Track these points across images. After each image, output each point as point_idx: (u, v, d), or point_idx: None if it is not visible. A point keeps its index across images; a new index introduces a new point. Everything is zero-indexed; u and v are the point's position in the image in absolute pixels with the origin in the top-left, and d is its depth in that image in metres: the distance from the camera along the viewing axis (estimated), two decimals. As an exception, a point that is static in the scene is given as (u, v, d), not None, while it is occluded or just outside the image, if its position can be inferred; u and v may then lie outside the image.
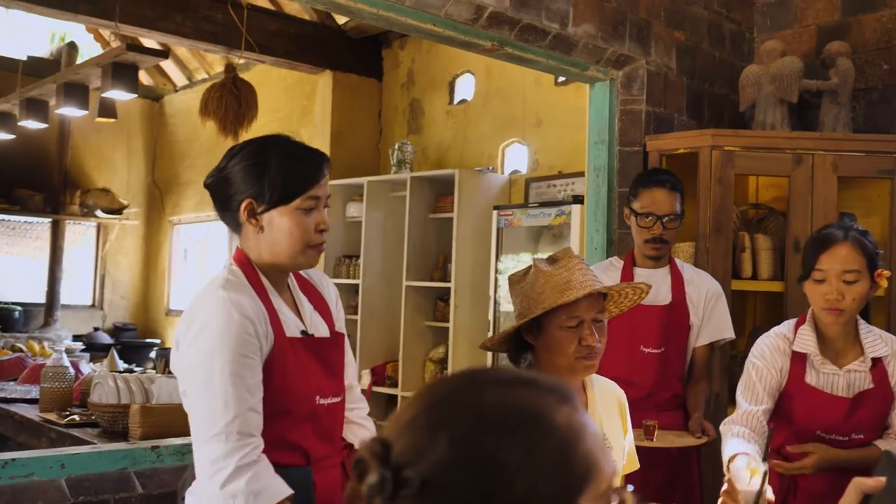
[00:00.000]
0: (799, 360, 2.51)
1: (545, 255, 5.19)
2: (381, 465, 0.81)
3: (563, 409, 0.86)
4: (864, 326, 2.53)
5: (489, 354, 5.13)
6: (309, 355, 1.85)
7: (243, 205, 1.82)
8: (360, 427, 2.08)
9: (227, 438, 1.65)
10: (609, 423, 2.07)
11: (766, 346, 2.57)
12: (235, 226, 1.88)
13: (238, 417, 1.66)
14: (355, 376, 2.09)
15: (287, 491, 1.68)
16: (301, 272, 2.00)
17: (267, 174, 1.81)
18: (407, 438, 0.83)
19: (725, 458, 2.33)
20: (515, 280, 2.00)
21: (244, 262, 1.86)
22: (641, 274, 3.18)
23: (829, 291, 2.40)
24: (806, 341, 2.51)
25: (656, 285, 3.05)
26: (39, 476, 2.16)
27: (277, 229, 1.82)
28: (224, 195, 1.86)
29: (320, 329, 1.94)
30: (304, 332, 1.87)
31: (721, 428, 2.52)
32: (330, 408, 1.88)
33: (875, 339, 2.51)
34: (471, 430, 0.82)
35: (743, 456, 2.23)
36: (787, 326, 2.60)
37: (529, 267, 1.99)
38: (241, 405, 1.67)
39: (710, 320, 3.22)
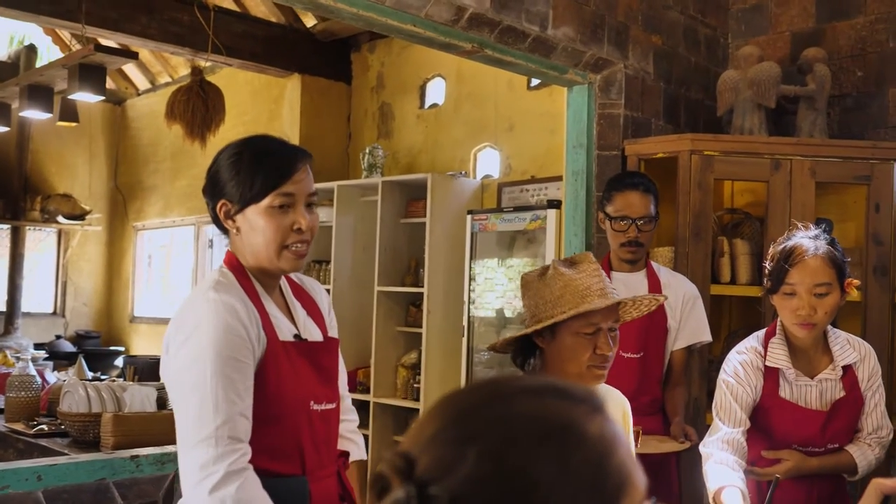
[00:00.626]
0: (772, 375, 2.47)
1: (519, 261, 5.13)
2: (405, 481, 0.77)
3: (595, 419, 0.82)
4: (832, 333, 2.49)
5: (463, 358, 5.09)
6: (303, 360, 1.80)
7: (219, 206, 1.79)
8: (349, 441, 2.02)
9: (217, 443, 1.59)
10: None
11: (740, 363, 2.49)
12: (223, 229, 1.83)
13: (228, 422, 1.61)
14: (346, 386, 2.04)
15: None
16: (293, 278, 1.96)
17: (239, 173, 1.76)
18: (432, 453, 0.79)
19: (712, 487, 2.31)
20: (530, 280, 1.95)
21: (234, 265, 1.81)
22: (618, 278, 3.16)
23: (801, 306, 2.34)
24: (778, 356, 2.46)
25: (633, 289, 3.04)
26: (15, 489, 2.08)
27: (253, 230, 1.77)
28: (209, 199, 1.83)
29: (314, 334, 1.89)
30: (297, 337, 1.82)
31: (701, 450, 2.48)
32: (324, 414, 1.83)
33: (843, 346, 2.47)
34: (501, 443, 0.78)
35: (731, 489, 2.22)
36: (756, 339, 2.53)
37: (546, 268, 1.94)
38: (232, 409, 1.62)
39: (688, 323, 3.22)
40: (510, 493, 0.75)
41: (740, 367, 2.48)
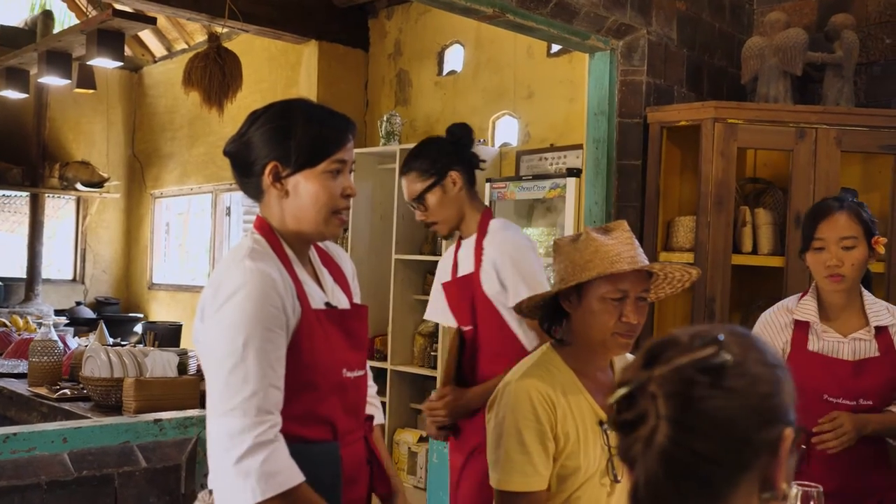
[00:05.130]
0: (801, 329, 2.56)
1: (535, 230, 5.07)
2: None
3: None
4: (868, 297, 2.59)
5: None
6: (334, 327, 1.80)
7: (268, 168, 1.76)
8: (371, 406, 2.02)
9: (246, 413, 1.58)
10: None
11: (767, 320, 2.64)
12: (257, 192, 1.81)
13: (258, 393, 1.60)
14: (366, 353, 2.04)
15: (300, 478, 1.61)
16: (320, 245, 1.95)
17: (293, 136, 1.75)
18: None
19: None
20: (562, 245, 1.93)
21: (267, 230, 1.79)
22: None
23: (829, 258, 2.48)
24: (807, 310, 2.57)
25: None
26: (41, 450, 2.10)
27: (303, 193, 1.76)
28: (245, 161, 1.79)
29: (341, 301, 1.89)
30: (327, 304, 1.82)
31: None
32: (355, 381, 1.84)
33: (880, 310, 2.57)
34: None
35: None
36: (790, 300, 2.65)
37: (579, 234, 1.93)
38: (263, 380, 1.61)
39: None
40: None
41: (764, 323, 2.62)
